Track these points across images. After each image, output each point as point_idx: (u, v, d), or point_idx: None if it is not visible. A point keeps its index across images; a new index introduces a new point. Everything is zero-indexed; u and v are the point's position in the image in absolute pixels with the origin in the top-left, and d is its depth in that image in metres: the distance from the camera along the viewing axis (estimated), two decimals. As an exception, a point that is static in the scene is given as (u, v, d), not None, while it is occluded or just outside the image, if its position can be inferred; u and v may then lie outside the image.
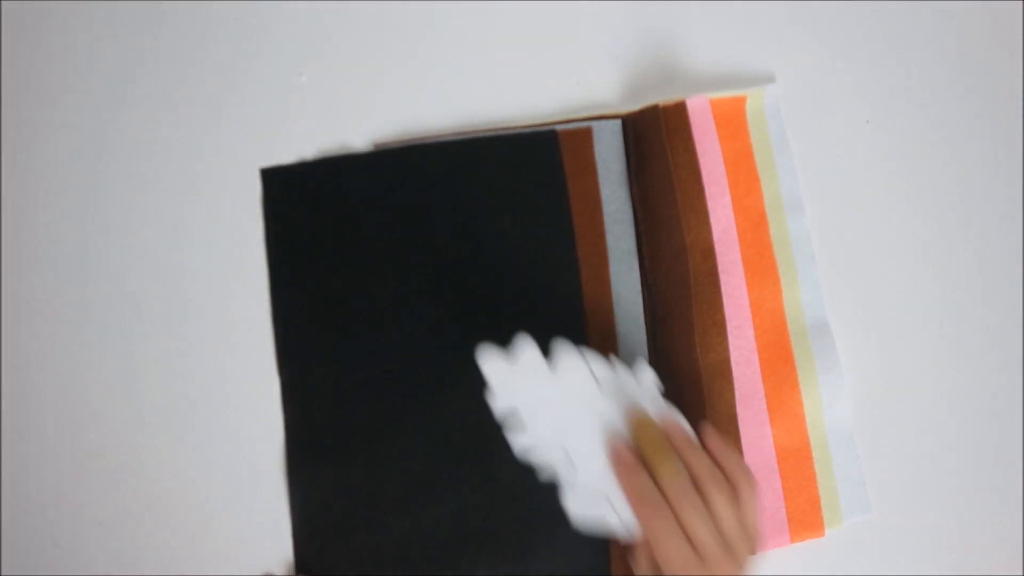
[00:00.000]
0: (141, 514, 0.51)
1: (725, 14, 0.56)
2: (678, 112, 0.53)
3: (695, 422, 0.50)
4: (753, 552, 0.43)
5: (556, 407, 0.45)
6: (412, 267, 0.52)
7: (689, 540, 0.42)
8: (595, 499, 0.45)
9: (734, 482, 0.44)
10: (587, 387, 0.46)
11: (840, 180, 0.55)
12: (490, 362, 0.46)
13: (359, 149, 0.55)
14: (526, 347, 0.46)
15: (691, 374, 0.51)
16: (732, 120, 0.54)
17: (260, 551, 0.51)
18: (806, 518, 0.51)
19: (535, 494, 0.49)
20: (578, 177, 0.53)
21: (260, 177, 0.54)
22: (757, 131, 0.55)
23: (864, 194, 0.55)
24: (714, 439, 0.45)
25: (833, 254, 0.54)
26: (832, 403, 0.52)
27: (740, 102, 0.54)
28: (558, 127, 0.54)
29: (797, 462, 0.51)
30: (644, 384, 0.46)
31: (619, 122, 0.53)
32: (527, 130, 0.54)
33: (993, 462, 0.53)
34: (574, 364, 0.46)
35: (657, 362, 0.52)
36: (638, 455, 0.44)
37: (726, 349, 0.51)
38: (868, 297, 0.54)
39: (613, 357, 0.47)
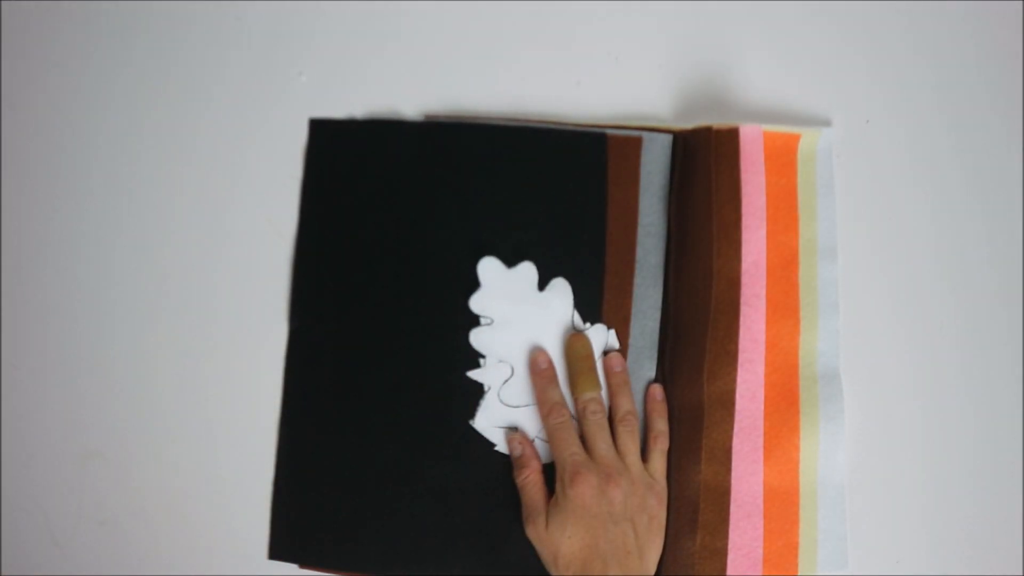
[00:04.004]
0: (141, 514, 0.52)
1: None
2: (730, 137, 0.52)
3: (690, 445, 0.50)
4: (660, 496, 0.48)
5: (528, 326, 0.51)
6: (439, 242, 0.53)
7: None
8: (505, 420, 0.51)
9: (652, 435, 0.49)
10: (564, 321, 0.51)
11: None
12: (490, 265, 0.51)
13: (409, 117, 0.55)
14: (529, 267, 0.51)
15: (694, 399, 0.50)
16: (782, 156, 0.54)
17: (261, 551, 0.52)
18: (782, 561, 0.50)
19: (512, 488, 0.50)
20: (620, 184, 0.53)
21: (308, 126, 0.55)
22: (805, 171, 0.54)
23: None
24: (658, 395, 0.50)
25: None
26: (829, 454, 0.51)
27: (793, 139, 0.54)
28: (608, 131, 0.54)
29: (783, 505, 0.51)
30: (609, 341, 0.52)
31: (670, 137, 0.53)
32: (577, 128, 0.54)
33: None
34: (563, 299, 0.51)
35: (663, 380, 0.52)
36: (568, 367, 0.50)
37: (733, 380, 0.51)
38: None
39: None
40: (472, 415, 0.51)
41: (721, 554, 0.50)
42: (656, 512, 0.48)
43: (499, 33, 0.56)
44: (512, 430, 0.51)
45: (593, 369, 0.50)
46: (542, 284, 0.52)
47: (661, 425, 0.50)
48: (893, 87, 0.56)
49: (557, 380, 0.50)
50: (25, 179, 0.55)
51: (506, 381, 0.51)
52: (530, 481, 0.48)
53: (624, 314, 0.52)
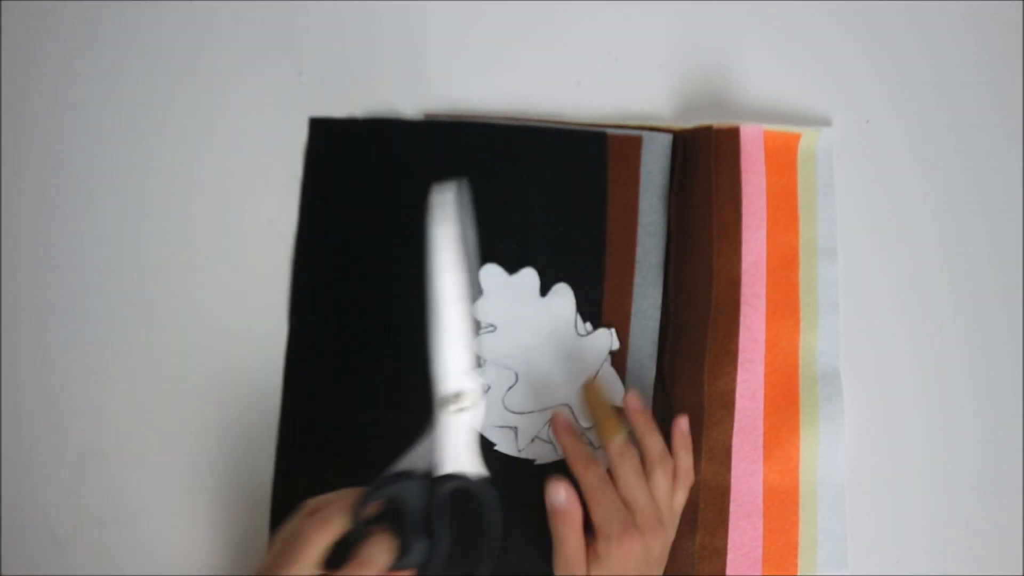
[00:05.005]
0: (141, 514, 0.52)
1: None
2: (730, 137, 0.53)
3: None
4: (675, 531, 0.47)
5: (531, 331, 0.51)
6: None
7: (625, 504, 0.45)
8: (505, 421, 0.51)
9: (680, 469, 0.47)
10: (567, 325, 0.51)
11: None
12: (491, 272, 0.51)
13: (409, 116, 0.55)
14: (531, 273, 0.51)
15: (694, 398, 0.50)
16: (782, 155, 0.54)
17: (261, 551, 0.51)
18: (781, 560, 0.50)
19: (511, 488, 0.50)
20: (620, 184, 0.53)
21: (308, 125, 0.55)
22: (805, 171, 0.54)
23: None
24: (680, 431, 0.48)
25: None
26: (829, 453, 0.51)
27: (793, 139, 0.54)
28: (608, 131, 0.54)
29: (783, 505, 0.51)
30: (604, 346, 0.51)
31: (670, 136, 0.53)
32: (577, 128, 0.54)
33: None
34: (566, 304, 0.51)
35: (663, 380, 0.51)
36: (591, 416, 0.49)
37: (733, 380, 0.51)
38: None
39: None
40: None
41: (721, 554, 0.50)
42: (671, 542, 0.47)
43: (499, 33, 0.56)
44: (555, 473, 0.47)
45: (615, 411, 0.48)
46: (543, 286, 0.52)
47: (687, 460, 0.48)
48: (893, 87, 0.56)
49: (579, 431, 0.50)
50: (24, 179, 0.55)
51: (510, 388, 0.51)
52: (575, 534, 0.45)
53: (624, 314, 0.52)
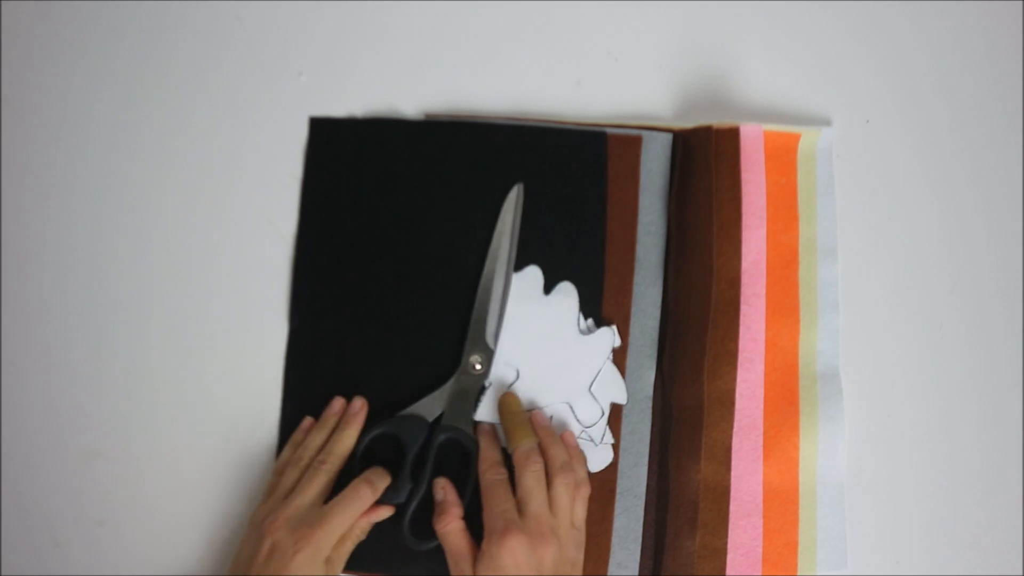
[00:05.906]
0: (141, 514, 0.52)
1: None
2: (730, 137, 0.53)
3: (689, 444, 0.50)
4: (581, 545, 0.48)
5: (534, 329, 0.51)
6: (439, 240, 0.53)
7: (520, 510, 0.46)
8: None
9: (575, 483, 0.48)
10: (570, 323, 0.51)
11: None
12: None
13: (409, 116, 0.55)
14: (535, 271, 0.52)
15: (694, 397, 0.50)
16: (782, 155, 0.54)
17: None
18: (781, 560, 0.50)
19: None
20: (619, 183, 0.53)
21: (308, 125, 0.55)
22: (805, 171, 0.54)
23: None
24: (573, 442, 0.50)
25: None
26: (828, 453, 0.51)
27: (793, 139, 0.54)
28: (608, 130, 0.54)
29: (783, 504, 0.51)
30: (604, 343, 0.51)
31: (670, 136, 0.53)
32: (577, 128, 0.54)
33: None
34: (569, 302, 0.52)
35: (663, 379, 0.52)
36: (503, 424, 0.50)
37: (733, 379, 0.51)
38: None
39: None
40: (473, 411, 0.51)
41: (720, 553, 0.50)
42: (579, 561, 0.47)
43: (499, 33, 0.56)
44: (441, 474, 0.49)
45: (527, 422, 0.49)
46: (546, 285, 0.52)
47: (583, 472, 0.49)
48: (893, 87, 0.56)
49: (499, 438, 0.50)
50: (26, 179, 0.55)
51: (511, 385, 0.51)
52: (452, 529, 0.47)
53: (624, 313, 0.52)
